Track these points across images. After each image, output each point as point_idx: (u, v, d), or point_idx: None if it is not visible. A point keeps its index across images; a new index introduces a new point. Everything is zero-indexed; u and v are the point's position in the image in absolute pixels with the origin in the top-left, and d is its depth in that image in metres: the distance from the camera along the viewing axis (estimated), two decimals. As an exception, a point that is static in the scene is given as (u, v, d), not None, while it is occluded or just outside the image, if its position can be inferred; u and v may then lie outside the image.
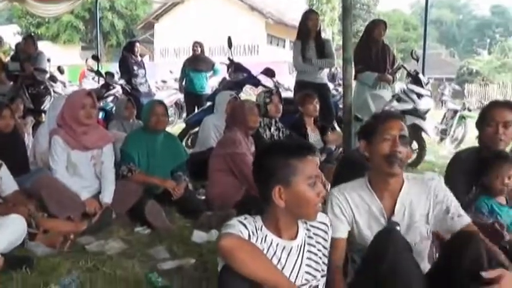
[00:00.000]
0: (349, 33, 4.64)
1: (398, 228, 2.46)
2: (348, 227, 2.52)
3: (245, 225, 2.06)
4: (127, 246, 3.82)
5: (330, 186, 3.96)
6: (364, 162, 3.07)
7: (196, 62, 9.84)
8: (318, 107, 5.95)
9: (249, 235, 2.05)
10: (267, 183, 2.11)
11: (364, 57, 6.88)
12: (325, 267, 2.31)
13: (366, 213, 2.52)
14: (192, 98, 9.81)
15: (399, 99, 7.13)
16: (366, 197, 2.53)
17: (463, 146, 3.30)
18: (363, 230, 2.51)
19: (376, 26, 7.16)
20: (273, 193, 2.09)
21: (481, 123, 3.32)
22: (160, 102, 5.13)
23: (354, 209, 2.51)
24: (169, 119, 10.23)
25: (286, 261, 2.14)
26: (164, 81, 15.20)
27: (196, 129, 7.19)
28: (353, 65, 5.16)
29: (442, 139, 10.08)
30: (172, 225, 4.32)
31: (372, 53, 6.94)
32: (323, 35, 7.59)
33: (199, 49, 9.96)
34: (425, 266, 2.55)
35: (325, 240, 2.31)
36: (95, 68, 9.92)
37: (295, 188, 2.07)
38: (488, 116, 3.32)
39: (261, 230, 2.12)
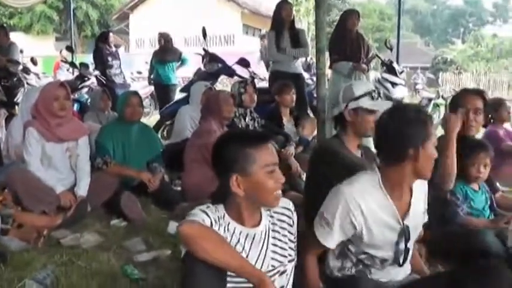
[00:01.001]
0: (323, 23, 4.64)
1: (408, 231, 2.38)
2: (344, 238, 2.39)
3: (207, 214, 2.06)
4: (103, 239, 3.80)
5: (305, 175, 3.98)
6: (337, 151, 3.10)
7: (163, 53, 9.73)
8: (294, 97, 5.97)
9: (211, 223, 2.05)
10: (225, 172, 2.10)
11: (338, 47, 6.91)
12: (292, 252, 2.30)
13: (380, 220, 2.34)
14: (161, 89, 9.71)
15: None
16: (380, 200, 2.34)
17: (437, 133, 3.36)
18: (375, 236, 2.35)
19: (349, 16, 7.18)
20: (230, 182, 2.08)
21: (452, 111, 3.37)
22: (135, 93, 5.09)
23: (368, 217, 2.31)
24: (145, 110, 10.19)
25: (250, 248, 2.14)
26: (139, 72, 15.06)
27: (172, 120, 7.15)
28: (328, 55, 5.17)
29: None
30: (148, 217, 4.31)
31: (346, 42, 6.97)
32: (298, 25, 7.61)
33: (162, 41, 9.87)
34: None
35: (290, 225, 2.31)
36: (69, 59, 9.83)
37: (252, 176, 2.06)
38: (459, 103, 3.37)
39: (223, 218, 2.11)
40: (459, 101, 3.42)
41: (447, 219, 3.29)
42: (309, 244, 2.41)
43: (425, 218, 2.57)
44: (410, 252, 2.48)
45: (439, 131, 3.19)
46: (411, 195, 2.42)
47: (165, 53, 9.71)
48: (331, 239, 2.36)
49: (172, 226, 3.90)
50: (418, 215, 2.47)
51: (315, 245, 2.40)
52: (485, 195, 3.48)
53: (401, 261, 2.41)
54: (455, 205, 3.35)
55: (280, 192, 2.12)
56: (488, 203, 3.47)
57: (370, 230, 2.32)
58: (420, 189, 2.49)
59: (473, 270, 2.33)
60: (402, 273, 2.52)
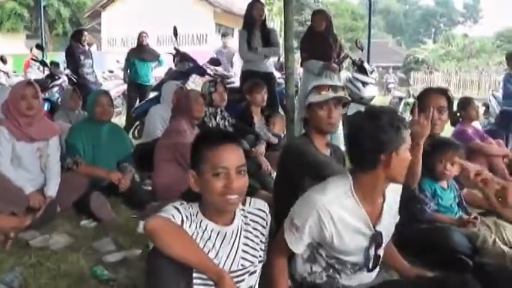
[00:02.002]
0: (291, 23, 4.68)
1: (380, 237, 2.37)
2: (312, 243, 2.38)
3: (179, 210, 2.07)
4: (72, 240, 3.77)
5: (275, 174, 4.00)
6: (305, 149, 3.13)
7: (142, 52, 9.71)
8: (265, 97, 5.99)
9: (183, 220, 2.06)
10: (190, 168, 2.16)
11: (307, 46, 6.97)
12: (262, 253, 2.32)
13: (351, 227, 2.31)
14: (136, 88, 9.63)
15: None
16: (352, 208, 2.30)
17: None
18: (346, 243, 2.32)
19: (315, 17, 7.29)
20: (188, 178, 2.13)
21: (415, 110, 3.41)
22: (105, 93, 5.06)
23: (339, 225, 2.27)
24: (117, 110, 10.12)
25: (220, 246, 2.15)
26: (111, 71, 14.96)
27: (143, 119, 7.12)
28: (299, 54, 5.18)
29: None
30: (118, 217, 4.29)
31: (315, 41, 7.01)
32: (271, 25, 7.65)
33: (147, 39, 9.84)
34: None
35: (263, 226, 2.31)
36: (40, 58, 9.69)
37: (202, 176, 2.08)
38: (423, 102, 3.43)
39: (196, 215, 2.13)
40: (423, 100, 3.49)
41: (414, 215, 3.34)
42: (278, 246, 2.38)
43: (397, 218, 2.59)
44: (381, 258, 2.47)
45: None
46: (384, 200, 2.40)
47: (144, 52, 9.67)
48: (300, 246, 2.35)
49: (142, 226, 3.89)
50: (390, 219, 2.45)
51: (283, 248, 2.37)
52: (454, 193, 3.54)
53: (371, 266, 2.40)
54: (422, 202, 3.41)
55: (233, 197, 2.07)
56: (457, 200, 3.53)
57: (341, 237, 2.30)
58: (394, 193, 2.48)
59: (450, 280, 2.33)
60: (372, 277, 2.53)
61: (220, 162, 2.06)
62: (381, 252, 2.40)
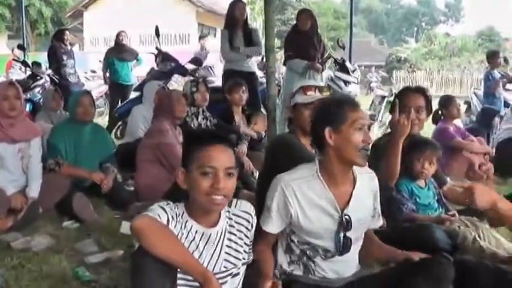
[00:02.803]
0: (272, 22, 4.69)
1: (349, 221, 2.41)
2: (283, 224, 2.44)
3: (165, 210, 2.07)
4: (54, 242, 3.75)
5: (257, 173, 4.02)
6: (293, 142, 3.15)
7: (120, 52, 9.65)
8: (245, 96, 6.00)
9: (168, 219, 2.06)
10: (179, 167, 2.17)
11: (293, 45, 7.00)
12: (246, 255, 2.32)
13: (316, 206, 2.39)
14: (117, 88, 9.59)
15: None
16: (317, 188, 2.40)
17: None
18: (313, 222, 2.39)
19: (300, 16, 7.34)
20: (176, 175, 2.15)
21: (395, 109, 3.44)
22: (87, 93, 5.04)
23: (303, 202, 2.38)
24: (100, 110, 10.07)
25: (204, 248, 2.15)
26: (94, 71, 14.87)
27: (125, 119, 7.10)
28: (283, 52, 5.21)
29: (370, 124, 10.37)
30: (100, 217, 4.27)
31: (300, 41, 7.04)
32: (253, 24, 7.67)
33: (126, 38, 9.80)
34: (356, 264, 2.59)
35: (248, 229, 2.31)
36: (22, 58, 9.62)
37: (190, 174, 2.10)
38: (401, 102, 3.45)
39: (181, 216, 2.13)
40: (401, 99, 3.50)
41: (392, 216, 3.37)
42: (259, 236, 2.43)
43: (379, 221, 2.66)
44: (356, 244, 2.51)
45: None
46: (354, 187, 2.46)
47: (123, 51, 9.63)
48: (271, 224, 2.43)
49: (125, 226, 3.87)
50: (362, 208, 2.50)
51: (263, 235, 2.44)
52: (433, 190, 3.57)
53: (341, 250, 2.43)
54: (399, 203, 3.44)
55: (219, 197, 2.08)
56: (436, 198, 3.56)
57: (305, 215, 2.38)
58: (367, 184, 2.54)
59: (418, 265, 2.39)
60: (349, 269, 2.54)
61: (209, 161, 2.07)
62: (352, 236, 2.44)
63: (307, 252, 2.48)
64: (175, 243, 2.05)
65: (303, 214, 2.38)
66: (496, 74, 8.88)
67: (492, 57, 9.13)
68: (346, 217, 2.40)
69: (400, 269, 2.47)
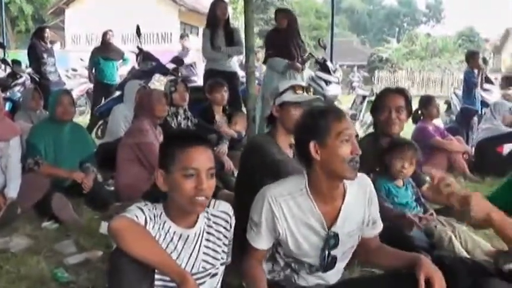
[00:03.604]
0: (252, 22, 4.71)
1: (336, 239, 2.33)
2: (273, 239, 2.36)
3: (143, 211, 2.06)
4: (33, 242, 3.72)
5: (237, 173, 4.02)
6: (268, 147, 3.14)
7: (107, 51, 9.62)
8: (226, 95, 6.00)
9: (146, 220, 2.05)
10: (157, 169, 2.15)
11: (273, 44, 7.02)
12: (225, 256, 2.32)
13: (304, 225, 2.31)
14: (102, 87, 9.57)
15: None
16: (304, 206, 2.30)
17: (372, 130, 3.54)
18: (300, 242, 2.33)
19: (277, 16, 7.35)
20: (155, 177, 2.13)
21: (376, 110, 3.46)
22: (67, 92, 5.00)
23: (290, 221, 2.29)
24: (81, 109, 9.98)
25: (182, 248, 2.14)
26: (75, 70, 14.75)
27: (106, 119, 7.06)
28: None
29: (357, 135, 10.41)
30: (80, 218, 4.24)
31: (280, 40, 7.04)
32: (236, 23, 7.66)
33: (112, 37, 9.76)
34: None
35: (227, 229, 2.31)
36: (1, 56, 9.51)
37: (171, 175, 2.08)
38: (382, 102, 3.48)
39: (159, 217, 2.12)
40: (382, 100, 3.54)
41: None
42: (246, 252, 2.38)
43: (375, 228, 2.54)
44: (343, 261, 2.47)
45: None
46: (343, 202, 2.36)
47: (109, 50, 9.58)
48: (261, 241, 2.34)
49: (104, 227, 3.85)
50: (352, 221, 2.39)
51: (251, 251, 2.37)
52: (411, 190, 3.59)
53: (325, 267, 2.37)
54: None
55: (201, 198, 2.07)
56: (414, 197, 3.59)
57: (293, 235, 2.31)
58: (358, 193, 2.42)
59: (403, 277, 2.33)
60: (333, 280, 2.50)
61: (191, 163, 2.06)
62: (337, 253, 2.37)
63: (292, 265, 2.44)
64: (152, 243, 2.03)
65: (290, 232, 2.31)
66: (476, 74, 8.98)
67: (471, 57, 9.23)
68: (332, 234, 2.32)
69: (384, 277, 2.48)
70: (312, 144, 2.22)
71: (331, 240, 2.32)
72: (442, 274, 2.17)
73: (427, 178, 4.12)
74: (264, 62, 7.33)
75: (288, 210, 2.28)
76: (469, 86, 8.69)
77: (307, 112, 2.34)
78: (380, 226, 2.55)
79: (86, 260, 3.38)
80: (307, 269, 2.42)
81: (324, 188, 2.29)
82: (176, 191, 2.08)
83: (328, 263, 2.36)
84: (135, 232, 2.00)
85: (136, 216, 2.03)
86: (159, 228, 2.10)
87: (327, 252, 2.33)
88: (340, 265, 2.47)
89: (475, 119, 7.54)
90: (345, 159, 2.20)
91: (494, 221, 2.11)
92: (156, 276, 2.06)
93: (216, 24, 7.08)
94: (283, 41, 6.92)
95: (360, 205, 2.43)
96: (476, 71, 8.76)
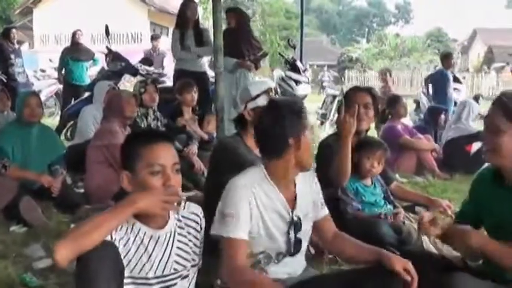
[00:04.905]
0: (220, 22, 4.72)
1: (299, 221, 2.46)
2: (247, 231, 2.33)
3: None
4: (1, 247, 3.67)
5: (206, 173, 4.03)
6: (237, 147, 3.16)
7: (77, 51, 9.54)
8: (196, 96, 5.98)
9: None
10: (121, 170, 2.14)
11: (225, 43, 7.01)
12: (196, 257, 2.30)
13: (272, 211, 2.40)
14: (71, 88, 9.50)
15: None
16: (269, 191, 2.41)
17: None
18: (270, 229, 2.40)
19: (226, 14, 7.36)
20: (120, 179, 2.10)
21: (341, 109, 3.49)
22: (34, 94, 4.97)
23: (261, 207, 2.36)
24: (50, 110, 9.86)
25: (153, 249, 2.12)
26: (43, 71, 14.56)
27: (76, 120, 6.98)
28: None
29: (322, 123, 10.62)
30: (49, 221, 4.19)
31: (230, 38, 6.98)
32: (206, 24, 7.65)
33: (82, 37, 9.68)
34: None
35: (197, 231, 2.30)
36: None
37: (137, 174, 2.07)
38: (349, 100, 3.54)
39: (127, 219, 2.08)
40: (349, 98, 3.61)
41: (338, 215, 3.42)
42: (227, 257, 2.29)
43: (323, 210, 2.65)
44: (305, 242, 2.55)
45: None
46: (295, 186, 2.51)
47: (79, 51, 9.50)
48: (241, 230, 2.29)
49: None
50: (306, 203, 2.54)
51: (232, 244, 2.29)
52: (379, 188, 3.64)
53: (293, 250, 2.46)
54: (344, 203, 3.50)
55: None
56: (383, 195, 3.63)
57: (264, 223, 2.38)
58: (305, 182, 2.58)
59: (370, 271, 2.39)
60: (299, 267, 2.56)
61: (157, 159, 2.05)
62: (303, 237, 2.48)
63: (262, 261, 2.45)
64: (90, 224, 1.96)
65: (262, 219, 2.36)
66: (449, 74, 9.23)
67: (446, 58, 9.47)
68: (296, 217, 2.44)
69: (352, 272, 2.52)
70: (291, 141, 2.35)
71: (295, 223, 2.45)
72: None
73: (397, 175, 4.19)
74: None
75: (258, 198, 2.36)
76: (442, 85, 8.90)
77: (284, 111, 2.40)
78: (325, 209, 2.68)
79: (54, 264, 3.33)
80: (275, 258, 2.46)
81: (288, 175, 2.44)
82: (143, 189, 2.06)
83: (294, 247, 2.46)
84: (73, 237, 1.93)
85: None
86: (126, 231, 2.07)
87: (293, 235, 2.44)
88: (304, 247, 2.55)
89: (443, 117, 7.65)
90: (311, 152, 2.45)
91: (488, 251, 2.25)
92: (126, 274, 2.05)
93: (186, 25, 7.07)
94: (233, 39, 6.87)
95: (307, 187, 2.58)
96: (449, 71, 9.00)
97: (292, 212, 2.45)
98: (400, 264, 2.22)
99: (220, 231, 2.30)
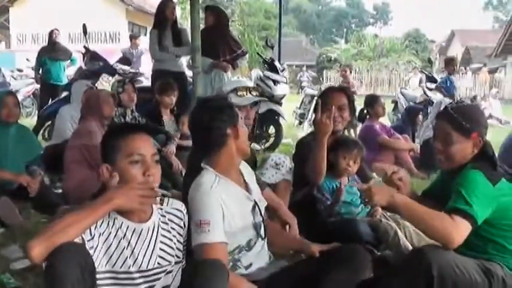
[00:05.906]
0: (197, 22, 4.73)
1: (258, 205, 2.61)
2: (223, 228, 2.39)
3: None
4: (-23, 248, 3.63)
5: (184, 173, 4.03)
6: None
7: (54, 51, 9.46)
8: (175, 99, 5.91)
9: None
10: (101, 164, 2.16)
11: (202, 43, 7.02)
12: (180, 254, 2.32)
13: (237, 203, 2.49)
14: (48, 88, 9.43)
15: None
16: (227, 187, 2.48)
17: None
18: (241, 221, 2.48)
19: (205, 14, 7.35)
20: (101, 172, 2.13)
21: (317, 109, 3.52)
22: (11, 93, 4.90)
23: (228, 205, 2.43)
24: (28, 110, 9.78)
25: (136, 243, 2.13)
26: (20, 70, 14.41)
27: (53, 120, 6.93)
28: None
29: (300, 123, 10.70)
30: (27, 222, 4.18)
31: (206, 38, 6.97)
32: (184, 24, 7.62)
33: (59, 36, 9.61)
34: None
35: (181, 227, 2.32)
36: None
37: (117, 165, 2.10)
38: (324, 101, 3.57)
39: (108, 214, 2.08)
40: (324, 98, 3.64)
41: (314, 215, 3.46)
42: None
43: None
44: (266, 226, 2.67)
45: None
46: (243, 176, 2.66)
47: (57, 50, 9.43)
48: (221, 232, 2.35)
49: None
50: (256, 191, 2.71)
51: (216, 250, 2.30)
52: (356, 187, 3.66)
53: (262, 233, 2.61)
54: (320, 202, 3.53)
55: (154, 185, 2.11)
56: (359, 194, 3.66)
57: (234, 217, 2.44)
58: (247, 169, 2.76)
59: (333, 254, 2.53)
60: (265, 256, 2.67)
61: (136, 149, 2.09)
62: (261, 219, 2.62)
63: (236, 257, 2.53)
64: (66, 223, 1.98)
65: (231, 215, 2.43)
66: (453, 78, 9.46)
67: (448, 63, 9.68)
68: (255, 203, 2.60)
69: (318, 259, 2.59)
70: (229, 130, 2.51)
71: (257, 208, 2.60)
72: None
73: (374, 174, 4.22)
74: None
75: (222, 197, 2.42)
76: (449, 91, 9.11)
77: (216, 106, 2.58)
78: (267, 189, 3.03)
79: (32, 264, 3.32)
80: (247, 246, 2.55)
81: (234, 163, 2.58)
82: (124, 181, 2.08)
83: (262, 230, 2.60)
84: (49, 233, 1.96)
85: None
86: (107, 226, 2.09)
87: (258, 219, 2.59)
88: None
89: (420, 117, 7.76)
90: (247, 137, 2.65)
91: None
92: (106, 269, 2.06)
93: (164, 25, 7.06)
94: (210, 39, 6.85)
95: (249, 174, 2.75)
96: (452, 76, 9.26)
97: (250, 196, 2.60)
98: (317, 247, 2.60)
99: (201, 240, 2.31)
